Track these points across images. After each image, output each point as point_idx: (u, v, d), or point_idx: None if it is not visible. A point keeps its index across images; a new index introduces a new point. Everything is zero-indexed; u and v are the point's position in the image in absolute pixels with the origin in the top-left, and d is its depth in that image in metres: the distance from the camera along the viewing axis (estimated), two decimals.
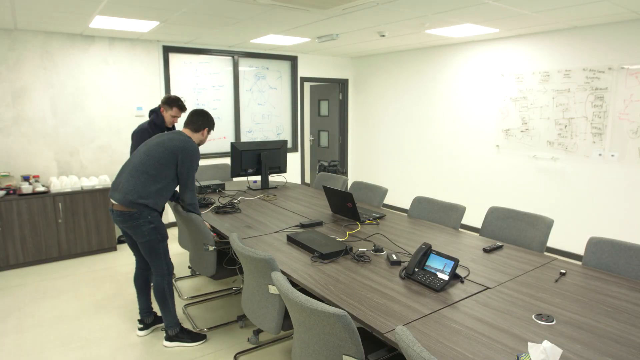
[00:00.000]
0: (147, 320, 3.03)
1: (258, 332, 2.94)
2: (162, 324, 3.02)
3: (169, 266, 2.82)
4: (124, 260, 4.47)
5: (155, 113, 3.56)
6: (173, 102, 3.51)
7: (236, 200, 3.67)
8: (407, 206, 6.27)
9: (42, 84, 4.62)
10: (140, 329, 3.01)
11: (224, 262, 3.03)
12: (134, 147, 3.51)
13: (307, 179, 7.90)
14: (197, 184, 2.99)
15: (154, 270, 2.80)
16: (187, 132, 2.84)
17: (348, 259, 2.33)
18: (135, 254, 2.98)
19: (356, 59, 7.09)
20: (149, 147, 2.71)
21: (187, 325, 3.13)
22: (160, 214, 2.83)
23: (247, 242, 2.60)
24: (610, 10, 3.54)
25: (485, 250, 2.46)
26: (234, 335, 2.99)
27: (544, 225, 2.62)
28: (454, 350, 1.45)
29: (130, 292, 3.67)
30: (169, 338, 2.88)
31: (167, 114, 3.53)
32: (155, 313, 3.09)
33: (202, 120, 2.86)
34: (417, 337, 1.53)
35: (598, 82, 4.15)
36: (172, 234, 5.36)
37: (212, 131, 3.05)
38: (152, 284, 2.88)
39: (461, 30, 4.42)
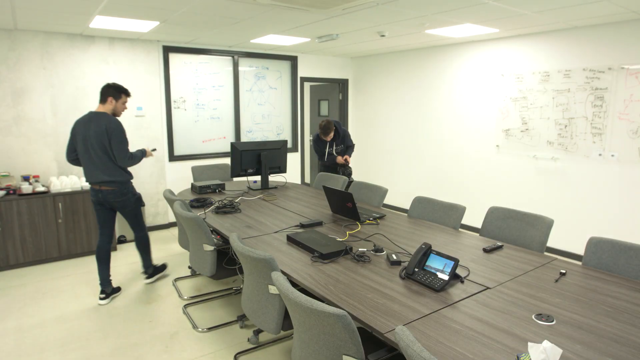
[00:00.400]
0: (108, 290, 3.53)
1: (258, 332, 2.94)
2: (119, 293, 3.66)
3: (144, 222, 3.78)
4: (123, 260, 4.47)
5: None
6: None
7: (236, 201, 3.68)
8: (407, 206, 6.27)
9: (42, 84, 4.62)
10: (102, 298, 3.49)
11: (224, 262, 3.03)
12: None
13: (307, 179, 7.90)
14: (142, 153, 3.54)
15: (139, 227, 3.68)
16: (100, 108, 3.38)
17: (348, 259, 2.33)
18: (105, 228, 3.55)
19: (356, 59, 7.09)
20: (86, 134, 3.28)
21: (187, 325, 3.13)
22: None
23: (247, 242, 2.60)
24: (610, 10, 3.54)
25: (485, 250, 2.46)
26: (234, 335, 2.99)
27: (544, 225, 2.62)
28: (454, 350, 1.45)
29: (131, 292, 3.67)
30: (149, 276, 3.85)
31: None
32: (111, 282, 3.61)
33: (107, 91, 3.37)
34: (417, 337, 1.53)
35: (598, 82, 4.15)
36: (172, 233, 5.37)
37: (122, 97, 3.43)
38: (136, 238, 3.72)
39: (461, 30, 4.42)
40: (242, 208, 3.46)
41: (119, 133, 3.30)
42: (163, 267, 4.01)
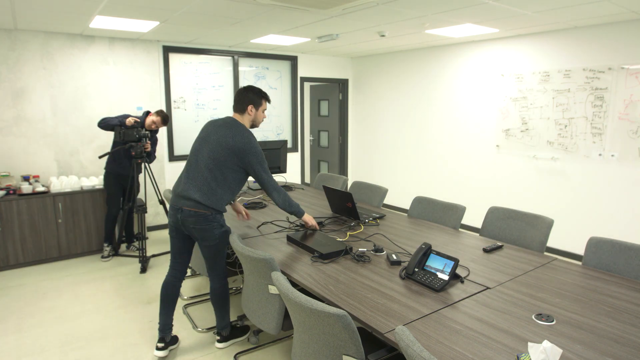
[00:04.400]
0: (167, 338, 2.72)
1: (258, 332, 2.94)
2: (176, 345, 2.84)
3: (226, 270, 2.72)
4: (123, 260, 4.46)
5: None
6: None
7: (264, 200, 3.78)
8: (407, 206, 6.27)
9: (42, 84, 4.62)
10: (160, 349, 2.67)
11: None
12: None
13: (307, 179, 7.90)
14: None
15: (216, 273, 2.65)
16: (237, 117, 2.61)
17: (348, 259, 2.33)
18: (177, 260, 2.69)
19: (356, 59, 7.09)
20: (212, 146, 2.51)
21: (187, 325, 3.13)
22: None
23: (247, 242, 2.60)
24: (610, 10, 3.54)
25: (485, 250, 2.46)
26: None
27: (544, 225, 2.62)
28: (454, 350, 1.45)
29: (131, 292, 3.67)
30: (223, 339, 2.81)
31: (148, 119, 3.67)
32: (172, 329, 2.79)
33: (246, 96, 2.58)
34: (417, 337, 1.53)
35: (598, 82, 4.15)
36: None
37: (265, 105, 2.68)
38: (211, 289, 2.70)
39: (461, 30, 4.42)
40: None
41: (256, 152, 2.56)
42: (245, 329, 2.96)
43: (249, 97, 2.59)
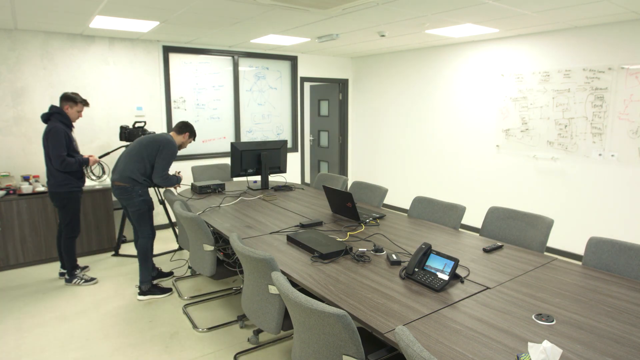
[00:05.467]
0: (153, 273, 3.77)
1: (258, 332, 2.94)
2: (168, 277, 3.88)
3: (153, 231, 3.58)
4: (124, 260, 4.46)
5: (59, 114, 3.59)
6: (78, 98, 3.68)
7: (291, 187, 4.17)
8: (407, 206, 6.27)
9: (42, 84, 4.62)
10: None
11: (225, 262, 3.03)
12: (56, 148, 3.53)
13: (307, 179, 7.90)
14: (175, 174, 3.65)
15: (141, 233, 3.51)
16: (173, 134, 3.62)
17: (348, 259, 2.33)
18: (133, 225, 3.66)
19: (356, 59, 7.09)
20: (142, 139, 3.48)
21: (187, 325, 3.13)
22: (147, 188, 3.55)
23: (247, 242, 2.60)
24: (610, 10, 3.54)
25: (485, 250, 2.46)
26: (234, 335, 2.99)
27: (544, 225, 2.62)
28: (454, 350, 1.45)
29: (131, 292, 3.67)
30: (142, 293, 3.52)
31: (73, 110, 3.65)
32: (158, 268, 3.92)
33: (184, 126, 3.64)
34: (417, 337, 1.53)
35: (598, 82, 4.15)
36: (173, 233, 5.37)
37: (192, 139, 3.73)
38: (136, 244, 3.56)
39: (461, 30, 4.42)
40: (242, 208, 3.46)
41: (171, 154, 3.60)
42: (166, 290, 3.62)
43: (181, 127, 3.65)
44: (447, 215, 3.08)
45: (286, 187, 4.28)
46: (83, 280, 3.84)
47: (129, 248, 4.81)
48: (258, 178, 5.58)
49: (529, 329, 1.59)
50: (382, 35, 4.73)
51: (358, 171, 7.30)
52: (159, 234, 5.37)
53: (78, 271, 3.91)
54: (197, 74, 5.68)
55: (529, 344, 1.39)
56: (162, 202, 4.48)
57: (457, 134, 5.57)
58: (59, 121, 3.57)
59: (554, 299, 1.85)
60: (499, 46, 4.99)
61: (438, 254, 2.08)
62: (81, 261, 4.42)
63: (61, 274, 3.96)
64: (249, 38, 5.02)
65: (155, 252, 4.66)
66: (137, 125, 4.50)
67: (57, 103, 4.69)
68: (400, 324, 1.63)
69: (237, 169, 4.13)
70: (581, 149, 4.33)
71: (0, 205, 4.08)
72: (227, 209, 3.42)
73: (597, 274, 2.14)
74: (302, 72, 6.64)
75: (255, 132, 6.34)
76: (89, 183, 4.58)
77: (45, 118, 3.58)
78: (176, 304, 3.47)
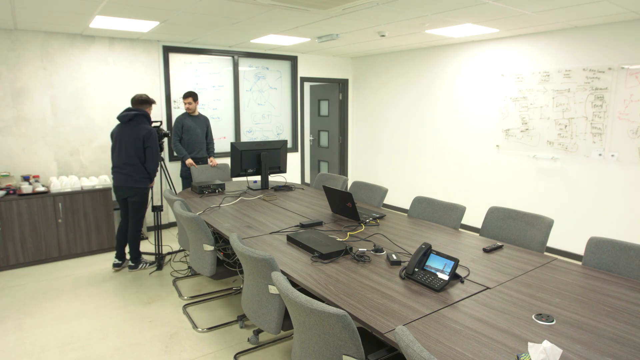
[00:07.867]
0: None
1: (258, 332, 2.94)
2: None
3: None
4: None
5: (144, 116, 4.03)
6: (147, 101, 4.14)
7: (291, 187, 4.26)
8: (407, 206, 6.27)
9: (42, 84, 4.62)
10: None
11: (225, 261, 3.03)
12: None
13: (307, 179, 7.90)
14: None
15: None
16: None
17: (348, 259, 2.33)
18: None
19: (356, 59, 7.09)
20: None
21: (187, 325, 3.13)
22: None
23: (247, 242, 2.60)
24: (610, 10, 3.54)
25: (485, 250, 2.46)
26: (234, 335, 2.99)
27: (544, 225, 2.62)
28: (454, 350, 1.45)
29: (131, 292, 3.67)
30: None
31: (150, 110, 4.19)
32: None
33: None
34: (417, 337, 1.53)
35: (598, 82, 4.15)
36: (173, 233, 5.36)
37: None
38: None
39: (461, 30, 4.42)
40: (242, 208, 3.46)
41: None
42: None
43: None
44: (447, 215, 3.08)
45: (286, 187, 4.27)
46: (148, 264, 4.25)
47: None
48: (258, 178, 5.58)
49: (529, 329, 1.59)
50: (382, 35, 4.73)
51: (358, 171, 7.30)
52: (170, 232, 5.36)
53: (142, 257, 4.29)
54: (197, 74, 5.68)
55: (529, 344, 1.39)
56: (154, 209, 4.38)
57: (457, 134, 5.57)
58: (147, 122, 4.06)
59: (554, 299, 1.85)
60: (499, 46, 4.99)
61: (438, 254, 2.08)
62: (81, 261, 4.43)
63: (115, 265, 4.20)
64: (249, 38, 5.02)
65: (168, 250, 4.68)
66: (153, 126, 4.51)
67: (57, 103, 4.71)
68: (400, 324, 1.63)
69: (237, 169, 4.13)
70: (581, 149, 4.33)
71: (0, 205, 4.08)
72: (227, 209, 3.42)
73: (597, 274, 2.14)
74: (302, 72, 6.64)
75: (255, 132, 6.34)
76: (89, 183, 4.58)
77: (129, 118, 3.97)
78: (176, 304, 3.47)
